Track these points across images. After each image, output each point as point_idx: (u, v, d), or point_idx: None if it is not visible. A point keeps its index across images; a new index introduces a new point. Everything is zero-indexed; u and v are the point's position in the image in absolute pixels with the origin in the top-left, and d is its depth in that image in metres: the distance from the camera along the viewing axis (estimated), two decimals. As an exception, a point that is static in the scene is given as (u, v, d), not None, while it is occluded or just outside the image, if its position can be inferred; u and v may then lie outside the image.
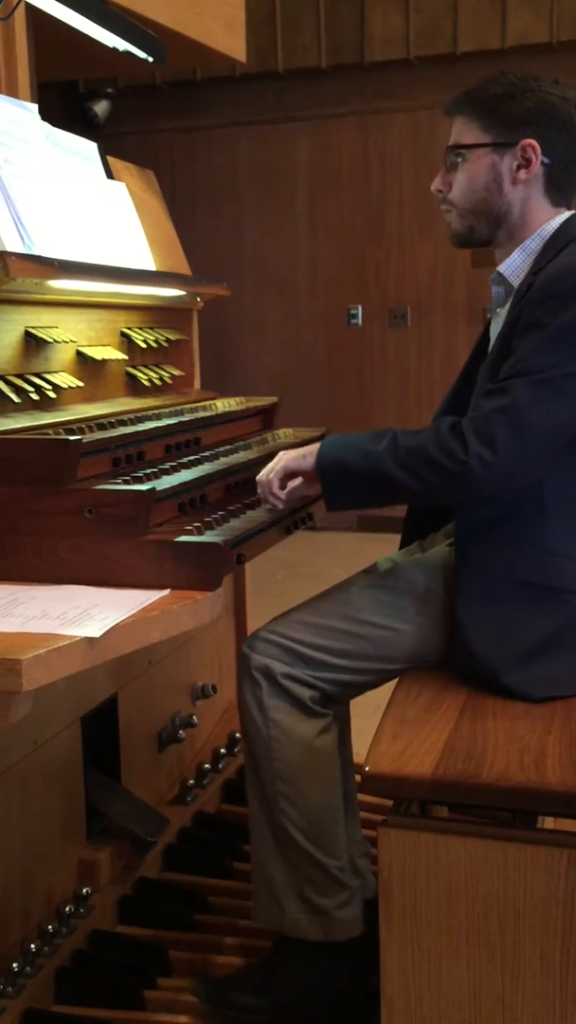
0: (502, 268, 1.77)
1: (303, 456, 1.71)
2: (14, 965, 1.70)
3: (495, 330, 1.80)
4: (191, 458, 1.92)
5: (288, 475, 1.73)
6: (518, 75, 1.73)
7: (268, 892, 1.74)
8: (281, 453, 1.75)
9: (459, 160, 1.75)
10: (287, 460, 1.73)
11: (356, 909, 1.74)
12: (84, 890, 1.90)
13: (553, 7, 5.83)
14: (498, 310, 1.80)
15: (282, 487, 1.73)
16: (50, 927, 1.80)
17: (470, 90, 1.76)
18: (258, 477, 1.77)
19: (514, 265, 1.75)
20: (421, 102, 6.08)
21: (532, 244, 1.74)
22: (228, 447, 2.11)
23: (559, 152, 1.71)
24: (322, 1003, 1.72)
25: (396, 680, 1.76)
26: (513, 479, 1.60)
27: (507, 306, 1.75)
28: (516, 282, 1.74)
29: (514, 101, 1.70)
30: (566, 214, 1.76)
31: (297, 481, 1.74)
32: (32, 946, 1.74)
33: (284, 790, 1.71)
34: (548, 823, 1.54)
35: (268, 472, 1.75)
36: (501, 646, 1.65)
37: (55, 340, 1.93)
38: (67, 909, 1.85)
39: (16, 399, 1.79)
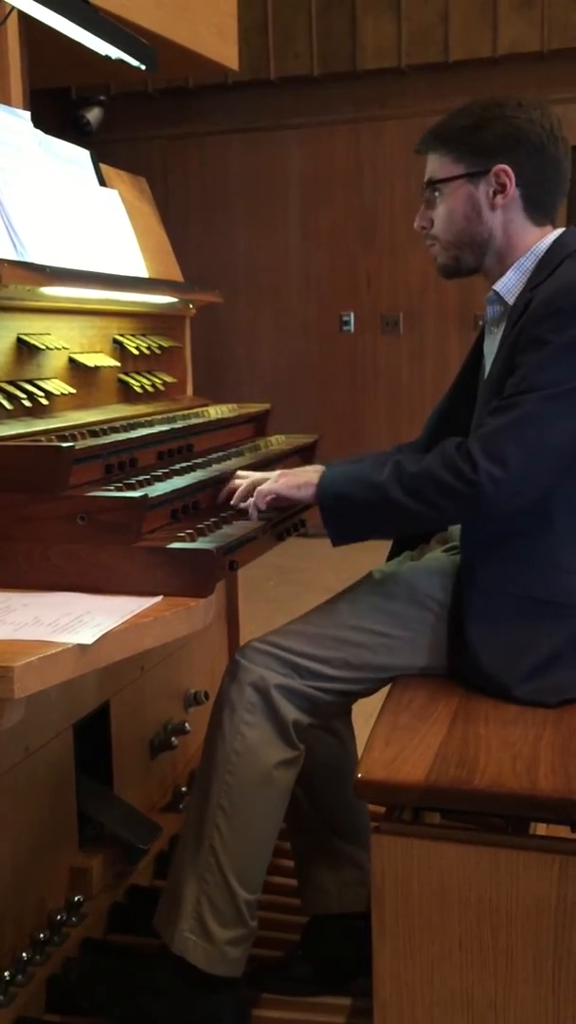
0: (498, 287, 1.78)
1: (298, 488, 1.72)
2: (6, 973, 1.69)
3: (490, 348, 1.81)
4: (184, 465, 1.92)
5: (278, 500, 1.74)
6: (482, 104, 1.76)
7: (172, 901, 1.69)
8: (278, 475, 1.75)
9: (436, 195, 1.79)
10: (282, 488, 1.72)
11: (244, 951, 1.67)
12: (76, 897, 1.89)
13: (544, 16, 5.87)
14: (493, 329, 1.81)
15: (267, 507, 1.74)
16: (41, 935, 1.79)
17: (437, 126, 1.79)
18: (249, 479, 1.78)
19: (509, 284, 1.76)
20: (413, 110, 6.10)
21: (526, 263, 1.75)
22: (221, 454, 2.11)
23: (532, 173, 1.73)
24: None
25: (388, 687, 1.77)
26: (523, 495, 1.60)
27: (503, 325, 1.76)
28: (511, 299, 1.75)
29: (481, 130, 1.73)
30: (556, 231, 1.78)
31: (283, 500, 1.75)
32: (24, 954, 1.74)
33: (225, 805, 1.65)
34: (540, 829, 1.55)
35: (256, 483, 1.76)
36: (510, 662, 1.66)
37: (47, 347, 1.93)
38: (59, 917, 1.84)
39: (8, 406, 1.79)
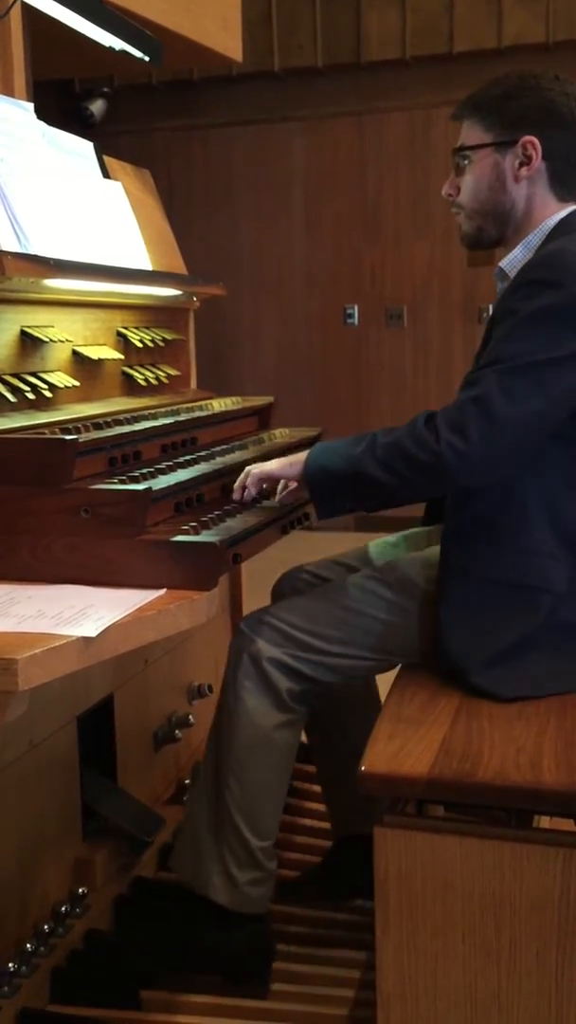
0: (503, 263, 1.78)
1: (290, 464, 1.77)
2: (10, 965, 1.70)
3: None
4: (187, 458, 1.92)
5: (268, 479, 1.79)
6: (519, 75, 1.75)
7: (191, 847, 1.81)
8: (280, 461, 1.81)
9: (465, 163, 1.78)
10: (274, 468, 1.79)
11: (266, 890, 1.81)
12: (80, 889, 1.90)
13: (549, 7, 5.83)
14: None
15: (258, 489, 1.80)
16: (46, 927, 1.79)
17: (474, 93, 1.79)
18: (254, 471, 1.81)
19: (515, 260, 1.76)
20: (417, 102, 6.08)
21: (534, 239, 1.75)
22: (224, 447, 2.11)
23: (560, 147, 1.72)
24: (217, 961, 1.80)
25: (392, 681, 1.77)
26: (489, 470, 1.61)
27: None
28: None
29: (514, 100, 1.72)
30: (571, 208, 1.76)
31: (292, 486, 1.80)
32: (28, 946, 1.74)
33: (233, 764, 1.76)
34: (544, 822, 1.55)
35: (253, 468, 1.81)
36: (475, 647, 1.67)
37: (51, 339, 1.93)
38: (63, 909, 1.85)
39: (12, 398, 1.79)
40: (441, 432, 1.58)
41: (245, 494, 1.80)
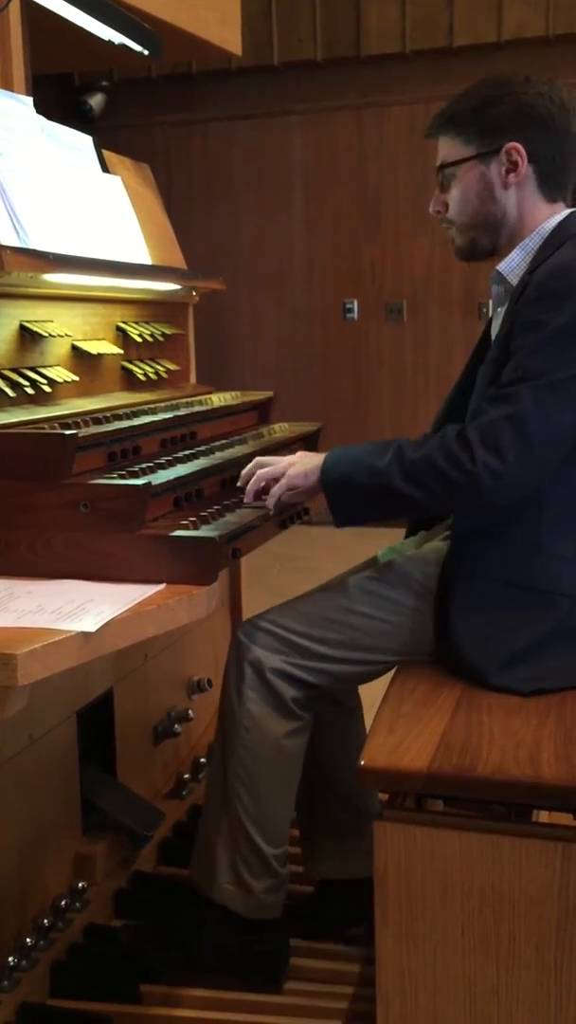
0: (501, 267, 1.77)
1: (305, 475, 1.70)
2: (10, 959, 1.70)
3: (496, 331, 1.80)
4: (187, 452, 1.92)
5: (290, 490, 1.72)
6: (489, 82, 1.74)
7: (207, 856, 1.80)
8: (286, 464, 1.72)
9: (450, 179, 1.77)
10: (290, 478, 1.70)
11: (280, 896, 1.81)
12: (80, 884, 1.90)
13: (549, 0, 5.82)
14: (498, 309, 1.80)
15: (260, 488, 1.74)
16: (46, 921, 1.80)
17: (445, 108, 1.77)
18: (258, 473, 1.74)
19: (513, 264, 1.75)
20: (417, 96, 6.06)
21: (531, 243, 1.74)
22: (224, 441, 2.11)
23: (544, 149, 1.71)
24: (232, 963, 1.81)
25: (391, 675, 1.77)
26: (522, 487, 1.60)
27: (506, 305, 1.75)
28: (514, 280, 1.74)
29: (490, 108, 1.71)
30: (565, 211, 1.76)
31: (296, 490, 1.73)
32: (28, 940, 1.75)
33: (242, 775, 1.75)
34: (543, 816, 1.55)
35: (264, 476, 1.73)
36: (491, 648, 1.66)
37: (50, 334, 1.92)
38: (63, 903, 1.85)
39: (11, 393, 1.79)
40: (476, 451, 1.55)
41: (248, 494, 1.75)
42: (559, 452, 1.60)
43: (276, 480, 1.72)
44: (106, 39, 2.49)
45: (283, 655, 1.72)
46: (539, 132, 1.70)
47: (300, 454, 1.76)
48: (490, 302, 1.86)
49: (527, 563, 1.67)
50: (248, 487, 1.76)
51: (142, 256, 2.37)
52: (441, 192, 1.80)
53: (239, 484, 1.80)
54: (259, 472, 1.75)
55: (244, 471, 1.78)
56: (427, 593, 1.77)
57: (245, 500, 1.77)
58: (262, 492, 1.75)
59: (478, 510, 1.67)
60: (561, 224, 1.72)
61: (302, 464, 1.72)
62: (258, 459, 1.78)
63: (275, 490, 1.72)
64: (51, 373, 1.91)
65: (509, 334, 1.66)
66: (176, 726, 2.34)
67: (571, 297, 1.57)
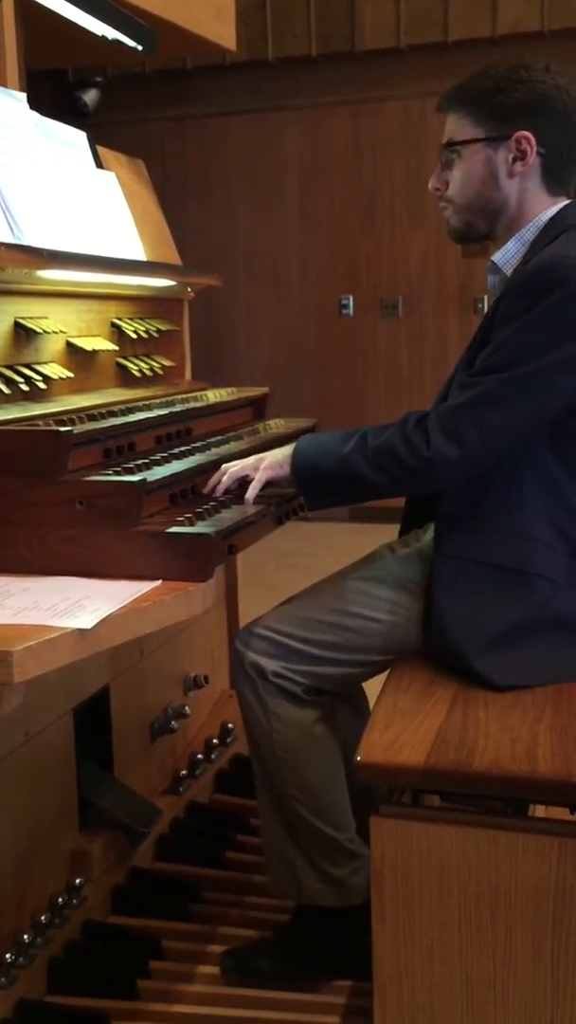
0: (496, 257, 1.76)
1: (280, 466, 1.75)
2: (7, 956, 1.70)
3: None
4: (182, 449, 1.92)
5: (267, 484, 1.76)
6: (508, 66, 1.71)
7: (283, 867, 1.81)
8: (260, 458, 1.77)
9: (454, 157, 1.74)
10: (265, 470, 1.75)
11: (365, 875, 1.79)
12: (77, 881, 1.90)
13: (544, -5, 5.82)
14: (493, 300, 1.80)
15: (236, 485, 1.78)
16: (43, 918, 1.80)
17: (461, 85, 1.74)
18: (231, 470, 1.77)
19: (508, 254, 1.74)
20: (412, 91, 6.06)
21: (527, 234, 1.73)
22: (219, 438, 2.11)
23: (554, 141, 1.69)
24: (342, 963, 1.81)
25: (387, 671, 1.77)
26: (472, 472, 1.65)
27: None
28: (509, 271, 1.73)
29: (505, 93, 1.68)
30: (563, 202, 1.74)
31: (276, 480, 1.76)
32: (25, 937, 1.75)
33: (290, 776, 1.76)
34: (539, 811, 1.55)
35: (240, 471, 1.77)
36: (473, 629, 1.66)
37: (45, 331, 1.92)
38: (60, 900, 1.85)
39: (6, 390, 1.78)
40: (432, 438, 1.59)
41: (218, 489, 1.77)
42: (515, 440, 1.62)
43: (248, 475, 1.76)
44: (100, 35, 2.49)
45: (280, 660, 1.73)
46: (551, 124, 1.68)
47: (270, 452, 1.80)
48: (485, 297, 1.86)
49: (508, 547, 1.67)
50: (220, 485, 1.77)
51: (137, 252, 2.36)
52: (443, 169, 1.77)
53: (205, 491, 1.79)
54: (231, 471, 1.78)
55: (212, 479, 1.80)
56: (420, 591, 1.77)
57: (204, 491, 1.79)
58: (238, 489, 1.78)
59: (431, 492, 1.73)
60: (557, 216, 1.71)
61: (273, 455, 1.77)
62: (224, 466, 1.81)
63: (254, 483, 1.75)
64: (46, 370, 1.91)
65: (490, 325, 1.66)
66: (173, 723, 2.34)
67: (549, 294, 1.56)
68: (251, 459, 1.80)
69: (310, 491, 1.73)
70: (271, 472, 1.75)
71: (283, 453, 1.76)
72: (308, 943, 1.83)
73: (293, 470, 1.73)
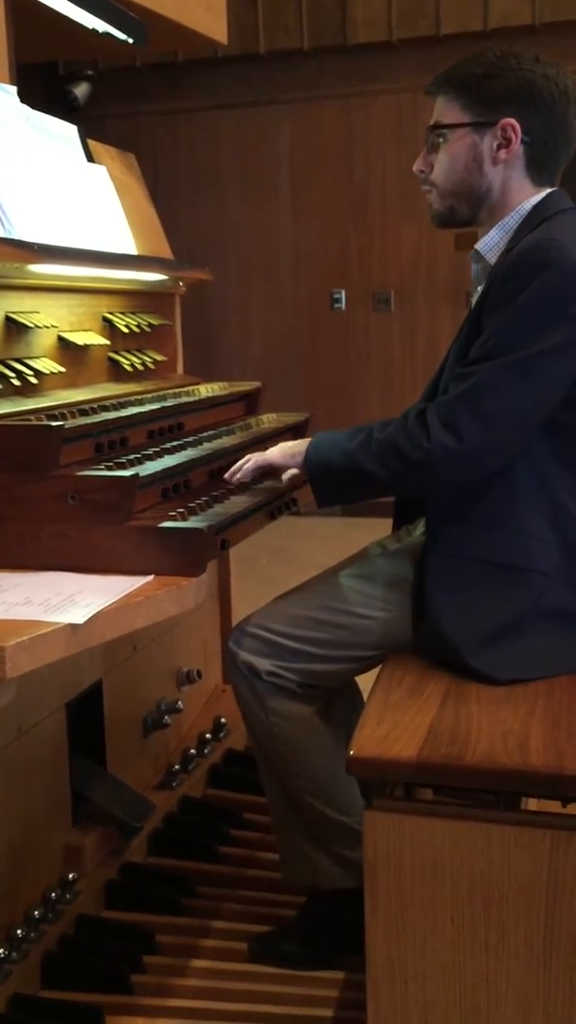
0: (479, 245, 1.76)
1: (292, 455, 1.77)
2: (0, 950, 1.71)
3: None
4: (174, 443, 1.92)
5: (269, 468, 1.80)
6: (498, 53, 1.71)
7: (297, 855, 1.83)
8: (275, 447, 1.81)
9: (440, 140, 1.74)
10: (275, 456, 1.79)
11: None
12: (70, 875, 1.90)
13: (535, -12, 5.81)
14: (478, 288, 1.80)
15: (255, 476, 1.83)
16: (36, 912, 1.80)
17: (451, 69, 1.75)
18: (256, 457, 1.83)
19: (491, 242, 1.75)
20: (404, 84, 6.05)
21: (510, 222, 1.73)
22: (212, 432, 2.11)
23: (539, 131, 1.70)
24: (363, 942, 1.80)
25: (379, 665, 1.77)
26: (480, 465, 1.62)
27: (483, 285, 1.75)
28: (492, 259, 1.74)
29: (494, 80, 1.69)
30: (547, 191, 1.75)
31: (295, 472, 1.80)
32: (18, 931, 1.75)
33: (295, 768, 1.77)
34: (531, 804, 1.55)
35: (266, 461, 1.82)
36: (468, 626, 1.66)
37: (36, 325, 1.92)
38: (53, 894, 1.85)
39: (-3, 385, 1.78)
40: (432, 429, 1.58)
41: (239, 476, 1.82)
42: (517, 431, 1.61)
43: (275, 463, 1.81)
44: (91, 27, 2.48)
45: (273, 659, 1.74)
46: (537, 114, 1.68)
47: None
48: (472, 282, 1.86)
49: (501, 542, 1.67)
50: (244, 469, 1.82)
51: (128, 246, 2.36)
52: (429, 152, 1.77)
53: (226, 476, 1.83)
54: (256, 459, 1.83)
55: (237, 464, 1.84)
56: (404, 584, 1.78)
57: (225, 476, 1.85)
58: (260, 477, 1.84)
59: (434, 487, 1.70)
60: (540, 204, 1.72)
61: (285, 446, 1.80)
62: (249, 456, 1.85)
63: (255, 460, 1.80)
64: (37, 364, 1.90)
65: (480, 313, 1.66)
66: (166, 717, 2.34)
67: (537, 276, 1.57)
68: (276, 448, 1.82)
69: (320, 487, 1.73)
70: (285, 460, 1.78)
71: (297, 445, 1.78)
72: (329, 926, 1.85)
73: (306, 465, 1.74)
